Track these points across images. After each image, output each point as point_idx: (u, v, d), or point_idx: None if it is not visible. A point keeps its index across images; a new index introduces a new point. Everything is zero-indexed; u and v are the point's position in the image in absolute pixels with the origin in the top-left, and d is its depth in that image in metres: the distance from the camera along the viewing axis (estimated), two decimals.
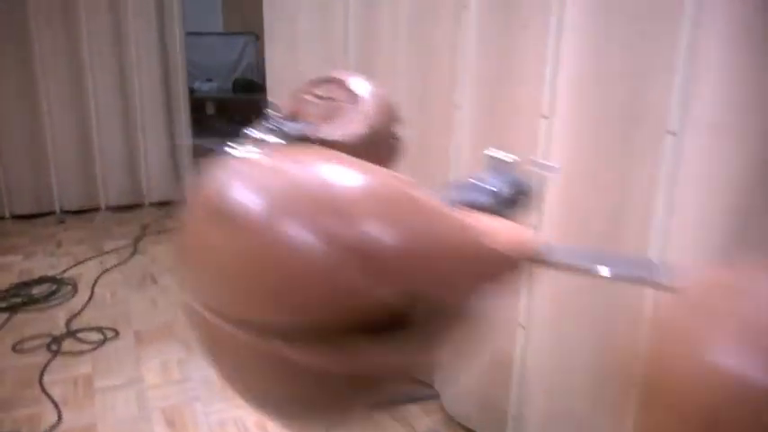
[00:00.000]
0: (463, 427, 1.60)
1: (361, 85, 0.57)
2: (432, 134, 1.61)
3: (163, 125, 3.55)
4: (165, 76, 3.51)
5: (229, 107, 4.62)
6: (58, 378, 1.81)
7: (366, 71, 1.84)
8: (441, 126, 1.58)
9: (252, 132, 0.55)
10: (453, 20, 1.49)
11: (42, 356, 1.92)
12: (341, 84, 0.57)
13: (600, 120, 1.15)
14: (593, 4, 1.14)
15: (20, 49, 3.12)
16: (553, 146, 1.27)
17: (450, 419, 1.63)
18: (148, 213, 3.46)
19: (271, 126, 0.54)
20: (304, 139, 0.54)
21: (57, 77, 3.22)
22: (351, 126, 0.54)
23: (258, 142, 0.53)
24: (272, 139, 0.53)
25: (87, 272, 2.59)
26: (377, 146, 0.55)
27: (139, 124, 3.49)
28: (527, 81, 1.32)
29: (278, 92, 2.63)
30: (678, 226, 1.11)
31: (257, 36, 5.40)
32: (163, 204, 3.60)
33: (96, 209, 3.46)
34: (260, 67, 5.46)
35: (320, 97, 0.57)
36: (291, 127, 0.54)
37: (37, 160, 3.27)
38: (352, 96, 0.56)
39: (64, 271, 2.58)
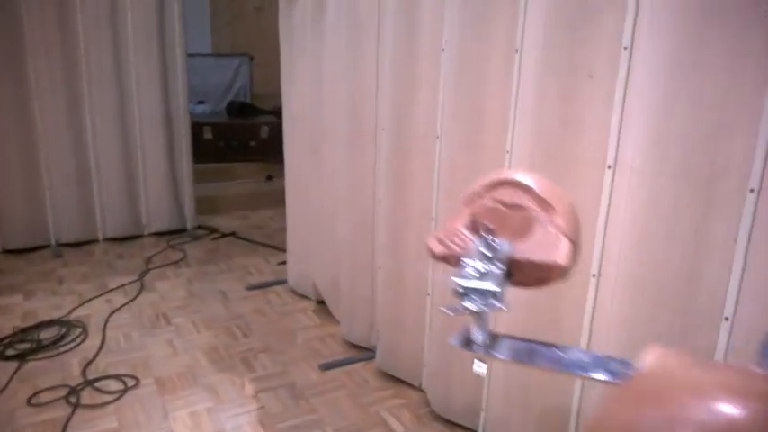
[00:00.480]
0: None
1: (549, 192, 0.52)
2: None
3: (163, 153, 3.44)
4: (165, 101, 3.41)
5: (227, 131, 4.53)
6: None
7: (404, 114, 1.79)
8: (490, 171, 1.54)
9: (470, 264, 0.49)
10: (505, 64, 1.46)
11: (62, 410, 1.81)
12: (526, 189, 0.52)
13: (675, 173, 1.13)
14: (667, 58, 1.12)
15: (15, 76, 2.99)
16: (620, 198, 1.24)
17: None
18: (149, 244, 3.34)
19: (486, 252, 0.49)
20: (511, 260, 0.49)
21: (55, 105, 3.10)
22: (555, 247, 0.49)
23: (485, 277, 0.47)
24: (490, 268, 0.48)
25: (95, 312, 2.47)
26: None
27: (139, 152, 3.38)
28: (591, 130, 1.29)
29: (296, 128, 2.56)
30: (753, 285, 1.09)
31: (251, 57, 5.33)
32: (162, 234, 3.49)
33: (94, 241, 3.32)
34: (253, 88, 5.38)
35: (506, 205, 0.52)
36: (502, 249, 0.49)
37: (31, 191, 3.13)
38: (543, 204, 0.51)
39: (70, 312, 2.45)
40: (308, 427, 1.78)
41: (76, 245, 3.25)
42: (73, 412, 1.79)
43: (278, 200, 4.29)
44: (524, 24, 1.40)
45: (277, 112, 5.15)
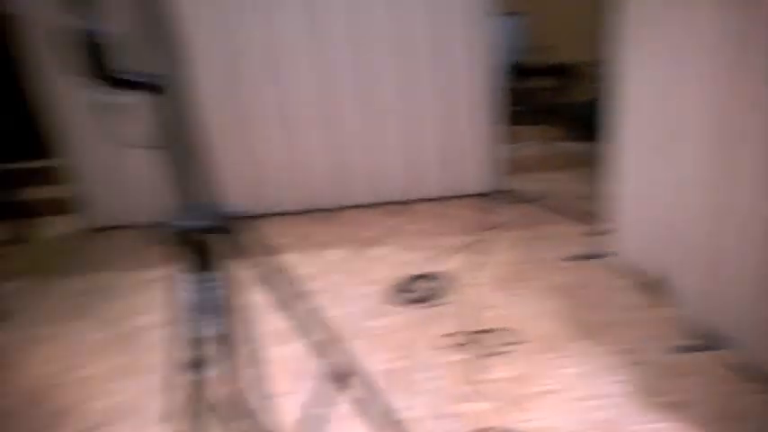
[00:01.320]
0: None
1: None
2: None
3: (481, 115, 3.79)
4: (481, 61, 3.70)
5: (515, 95, 4.80)
6: (488, 378, 2.16)
7: None
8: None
9: None
10: None
11: (462, 355, 2.29)
12: None
13: None
14: None
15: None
16: None
17: None
18: (466, 206, 3.81)
19: None
20: None
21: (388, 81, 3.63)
22: None
23: None
24: None
25: (454, 269, 2.97)
26: None
27: (459, 115, 3.77)
28: None
29: (634, 119, 2.67)
30: None
31: (524, 16, 5.43)
32: (474, 197, 3.92)
33: (417, 201, 3.90)
34: (529, 49, 5.49)
35: None
36: None
37: (334, 150, 3.74)
38: None
39: (433, 266, 2.99)
40: (679, 406, 1.98)
41: (402, 203, 3.85)
42: (473, 358, 2.27)
43: (563, 164, 4.49)
44: None
45: (552, 71, 5.26)
